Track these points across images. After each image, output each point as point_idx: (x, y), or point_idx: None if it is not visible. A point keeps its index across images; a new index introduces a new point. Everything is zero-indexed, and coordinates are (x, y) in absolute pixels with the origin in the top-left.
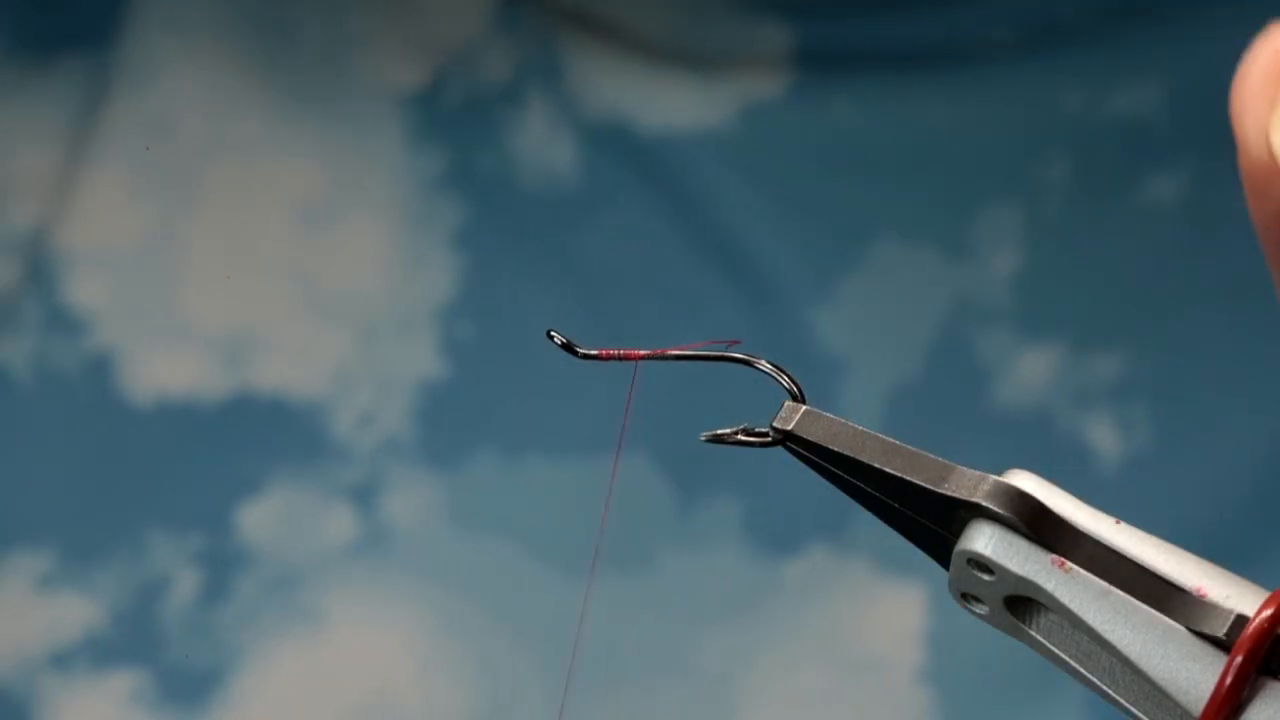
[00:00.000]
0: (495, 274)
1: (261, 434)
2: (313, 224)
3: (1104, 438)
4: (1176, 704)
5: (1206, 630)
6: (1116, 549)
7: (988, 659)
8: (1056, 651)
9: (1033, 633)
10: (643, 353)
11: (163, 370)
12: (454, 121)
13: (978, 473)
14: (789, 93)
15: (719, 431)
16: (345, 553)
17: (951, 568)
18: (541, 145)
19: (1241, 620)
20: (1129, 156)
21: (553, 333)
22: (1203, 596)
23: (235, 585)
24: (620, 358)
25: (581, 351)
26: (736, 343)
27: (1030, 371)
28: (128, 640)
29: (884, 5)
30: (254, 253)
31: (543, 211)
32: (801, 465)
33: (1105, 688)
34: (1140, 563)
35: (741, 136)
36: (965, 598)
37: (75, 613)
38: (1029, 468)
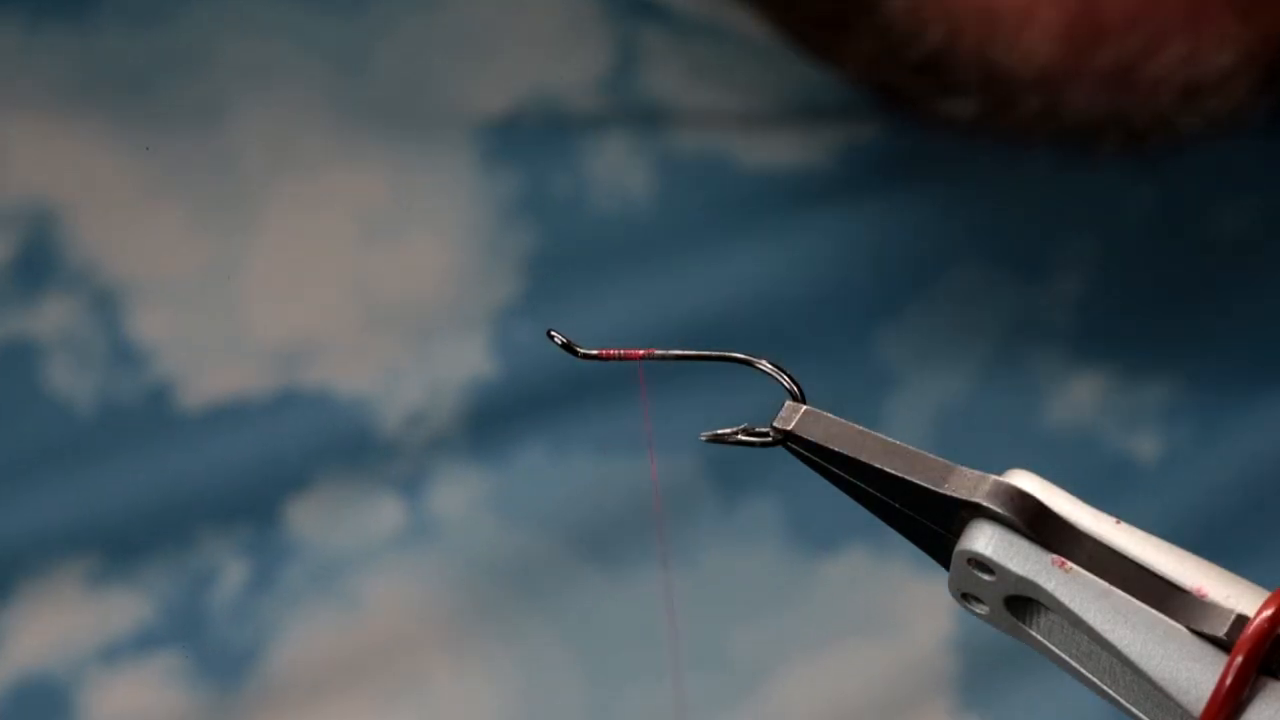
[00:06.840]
0: (560, 296)
1: (310, 432)
2: (376, 240)
3: (1147, 455)
4: (1177, 704)
5: (1207, 630)
6: (1117, 549)
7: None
8: (1056, 651)
9: (1033, 633)
10: (643, 352)
11: (218, 382)
12: (531, 147)
13: (978, 472)
14: (881, 131)
15: (719, 431)
16: (389, 543)
17: (951, 568)
18: (621, 174)
19: (1242, 620)
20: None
21: (553, 332)
22: (1203, 596)
23: (281, 574)
24: (621, 358)
25: (582, 351)
26: None
27: (1080, 394)
28: (173, 629)
29: None
30: (315, 268)
31: (618, 241)
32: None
33: (1105, 688)
34: (1140, 563)
35: (834, 172)
36: (965, 597)
37: (125, 608)
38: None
